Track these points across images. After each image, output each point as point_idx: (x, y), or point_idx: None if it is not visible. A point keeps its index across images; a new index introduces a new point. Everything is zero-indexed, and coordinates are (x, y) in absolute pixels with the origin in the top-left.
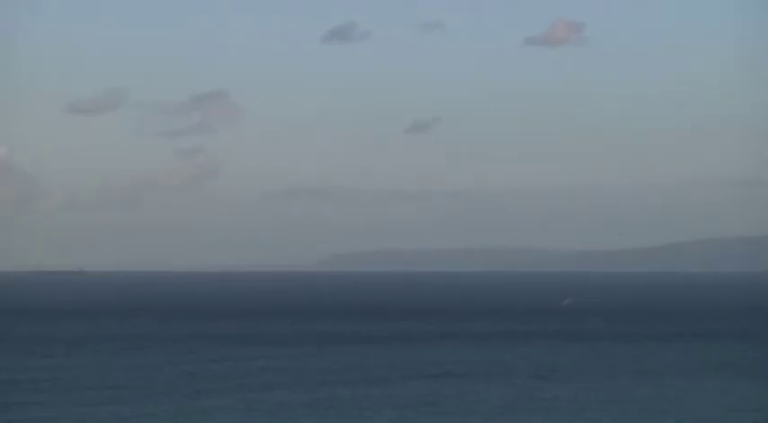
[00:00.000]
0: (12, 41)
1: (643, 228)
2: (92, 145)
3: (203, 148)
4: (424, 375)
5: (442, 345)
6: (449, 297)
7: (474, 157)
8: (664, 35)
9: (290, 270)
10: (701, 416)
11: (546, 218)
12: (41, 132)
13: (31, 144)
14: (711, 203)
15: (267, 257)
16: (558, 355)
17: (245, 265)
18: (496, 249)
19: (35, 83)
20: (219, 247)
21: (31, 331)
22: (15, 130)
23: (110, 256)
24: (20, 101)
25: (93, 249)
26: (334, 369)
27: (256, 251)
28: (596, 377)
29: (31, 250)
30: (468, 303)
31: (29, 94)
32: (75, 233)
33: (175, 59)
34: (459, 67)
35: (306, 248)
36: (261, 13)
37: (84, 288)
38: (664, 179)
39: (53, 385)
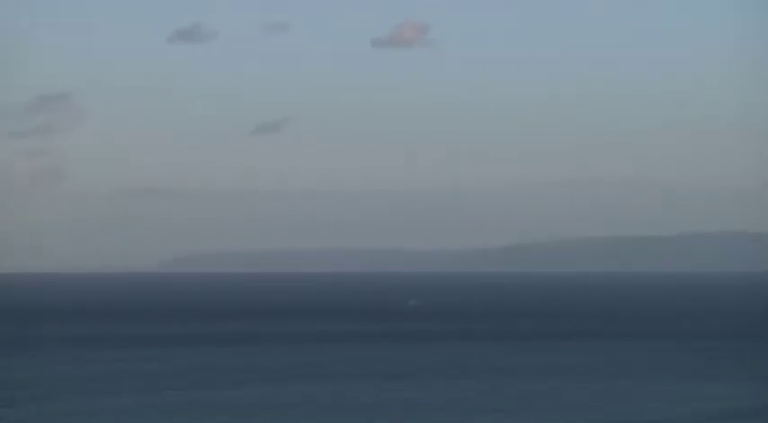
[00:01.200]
0: None
1: (503, 228)
2: None
3: (47, 150)
4: (273, 378)
5: (290, 346)
6: (298, 298)
7: (323, 157)
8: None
9: (133, 271)
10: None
11: (403, 218)
12: None
13: None
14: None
15: (111, 259)
16: (401, 355)
17: (89, 267)
18: (351, 250)
19: None
20: (63, 248)
21: None
22: None
23: None
24: None
25: None
26: (181, 372)
27: (100, 252)
28: (439, 378)
29: None
30: (318, 305)
31: None
32: None
33: (18, 60)
34: (306, 67)
35: (149, 250)
36: (105, 13)
37: None
38: (513, 182)
39: None
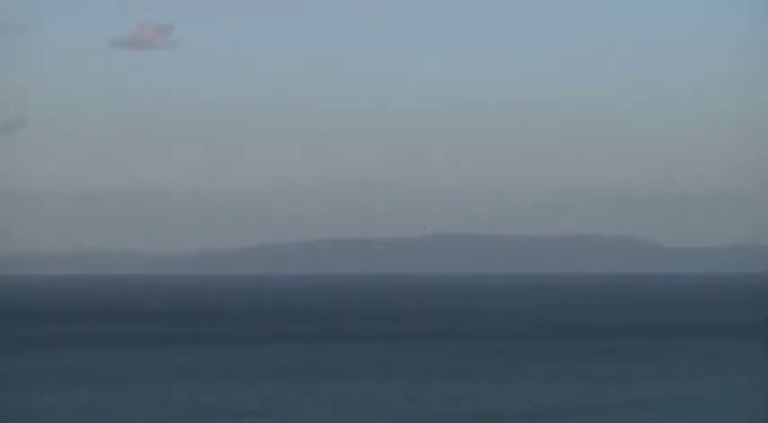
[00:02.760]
0: None
1: (250, 229)
2: None
3: None
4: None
5: (30, 349)
6: (39, 299)
7: (58, 158)
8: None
9: None
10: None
11: (140, 220)
12: None
13: None
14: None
15: None
16: (140, 358)
17: None
18: (90, 252)
19: None
20: None
21: None
22: None
23: None
24: None
25: None
26: None
27: None
28: (186, 380)
29: None
30: (56, 307)
31: None
32: None
33: None
34: (43, 68)
35: None
36: None
37: None
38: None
39: None
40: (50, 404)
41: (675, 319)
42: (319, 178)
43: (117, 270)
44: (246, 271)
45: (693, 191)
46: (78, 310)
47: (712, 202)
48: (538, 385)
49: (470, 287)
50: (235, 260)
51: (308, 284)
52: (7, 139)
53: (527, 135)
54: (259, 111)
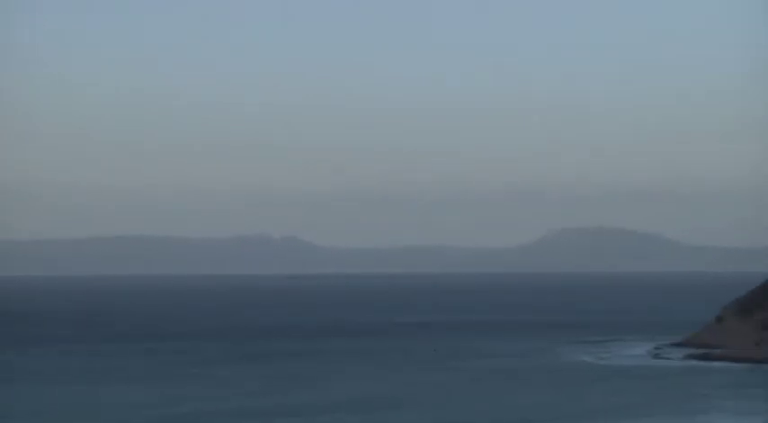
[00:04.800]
0: None
1: None
2: None
3: None
4: None
5: None
6: None
7: None
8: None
9: None
10: None
11: None
12: None
13: None
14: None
15: None
16: None
17: None
18: None
19: None
20: None
21: None
22: None
23: None
24: None
25: None
26: None
27: None
28: None
29: None
30: None
31: None
32: None
33: None
34: None
35: None
36: None
37: None
38: None
39: None
40: None
41: (359, 319)
42: None
43: None
44: None
45: (357, 195)
46: None
47: (380, 205)
48: (227, 388)
49: (131, 289)
50: None
51: None
52: None
53: (202, 136)
54: None
